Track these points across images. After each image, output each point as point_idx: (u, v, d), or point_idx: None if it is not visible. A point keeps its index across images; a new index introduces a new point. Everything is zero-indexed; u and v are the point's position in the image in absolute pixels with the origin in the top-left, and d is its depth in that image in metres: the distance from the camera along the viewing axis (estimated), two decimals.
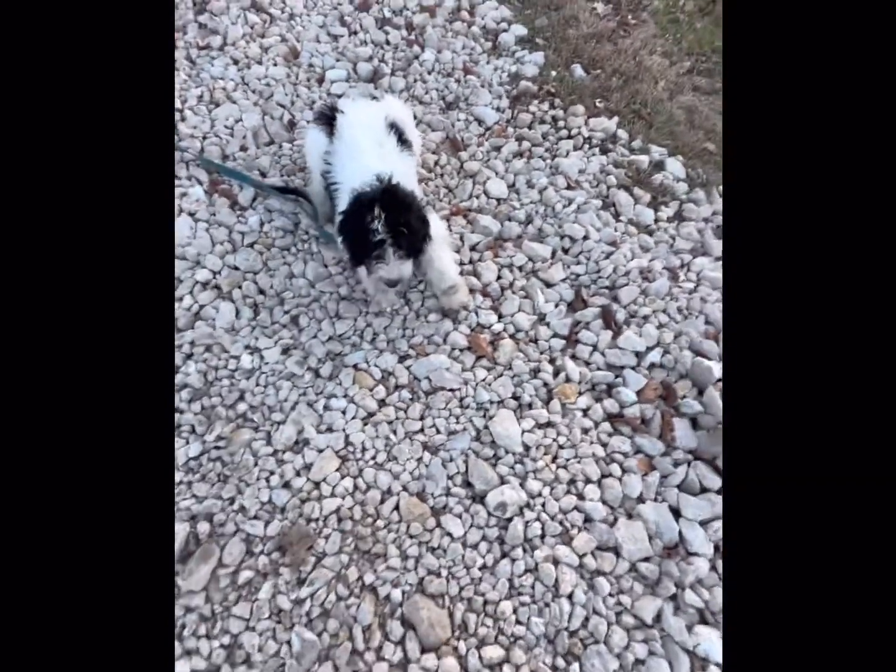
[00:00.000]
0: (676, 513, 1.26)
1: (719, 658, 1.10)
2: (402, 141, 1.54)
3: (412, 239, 1.30)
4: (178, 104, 1.94)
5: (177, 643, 1.05)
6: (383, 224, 1.24)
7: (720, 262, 1.68)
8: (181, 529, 1.17)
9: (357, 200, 1.30)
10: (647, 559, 1.21)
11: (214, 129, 1.91)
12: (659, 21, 2.59)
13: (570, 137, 2.00)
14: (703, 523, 1.25)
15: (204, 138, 1.87)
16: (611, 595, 1.16)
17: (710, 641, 1.11)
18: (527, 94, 2.15)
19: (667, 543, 1.23)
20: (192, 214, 1.67)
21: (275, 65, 2.10)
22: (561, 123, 2.04)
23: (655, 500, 1.28)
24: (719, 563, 1.20)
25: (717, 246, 1.72)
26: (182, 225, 1.64)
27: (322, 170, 1.58)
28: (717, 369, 1.42)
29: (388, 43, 2.21)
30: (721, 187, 1.90)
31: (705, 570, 1.19)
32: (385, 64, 2.15)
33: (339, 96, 2.03)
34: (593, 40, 2.43)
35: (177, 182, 1.73)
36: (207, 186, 1.75)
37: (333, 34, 2.22)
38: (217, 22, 2.18)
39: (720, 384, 1.41)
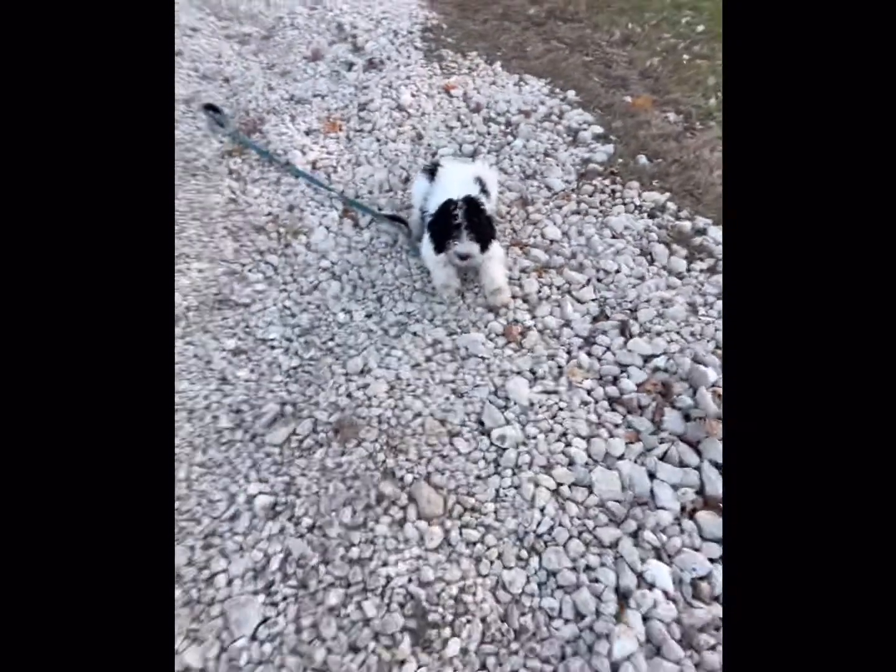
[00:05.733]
0: (652, 476, 1.48)
1: (666, 585, 1.26)
2: (483, 190, 2.12)
3: (481, 228, 1.82)
4: (332, 163, 2.77)
5: (253, 473, 1.50)
6: (462, 215, 1.77)
7: None
8: (274, 408, 1.67)
9: (444, 203, 1.87)
10: (617, 501, 1.43)
11: (354, 178, 2.68)
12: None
13: (623, 204, 2.45)
14: (675, 486, 1.44)
15: (346, 185, 2.64)
16: (577, 518, 1.39)
17: (660, 571, 1.28)
18: (593, 173, 2.67)
19: (638, 497, 1.44)
20: (327, 227, 2.38)
21: (404, 143, 2.90)
22: (618, 195, 2.51)
23: (635, 462, 1.51)
24: (684, 521, 1.38)
25: None
26: (319, 233, 2.34)
27: (421, 206, 2.20)
28: (712, 375, 1.65)
29: (489, 133, 2.93)
30: None
31: (668, 520, 1.37)
32: (483, 147, 2.85)
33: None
34: (661, 138, 2.94)
35: (321, 208, 2.48)
36: (341, 213, 2.47)
37: (449, 126, 3.01)
38: (372, 116, 3.08)
39: (714, 387, 1.64)
